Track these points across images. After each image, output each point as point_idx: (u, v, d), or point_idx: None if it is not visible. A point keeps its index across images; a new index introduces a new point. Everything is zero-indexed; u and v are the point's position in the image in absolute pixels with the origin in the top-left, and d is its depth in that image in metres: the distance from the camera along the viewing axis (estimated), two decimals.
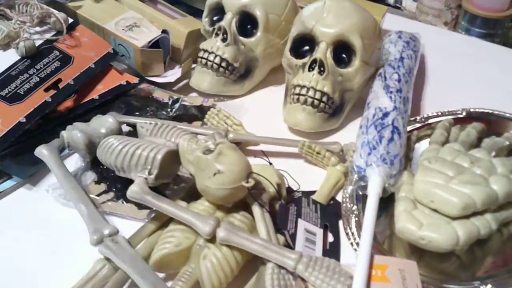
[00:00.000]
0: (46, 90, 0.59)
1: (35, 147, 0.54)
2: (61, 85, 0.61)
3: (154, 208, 0.45)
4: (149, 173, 0.46)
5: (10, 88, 0.58)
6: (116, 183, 0.53)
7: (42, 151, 0.53)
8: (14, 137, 0.54)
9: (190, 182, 0.52)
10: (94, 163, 0.54)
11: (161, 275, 0.44)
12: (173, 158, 0.48)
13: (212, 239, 0.42)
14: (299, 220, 0.47)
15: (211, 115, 0.62)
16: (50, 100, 0.59)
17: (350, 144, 0.56)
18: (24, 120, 0.56)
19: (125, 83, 0.66)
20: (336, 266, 0.39)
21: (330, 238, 0.48)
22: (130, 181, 0.47)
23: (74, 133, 0.53)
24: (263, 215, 0.44)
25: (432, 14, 0.93)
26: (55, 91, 0.60)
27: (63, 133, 0.54)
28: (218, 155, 0.42)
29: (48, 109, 0.58)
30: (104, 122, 0.55)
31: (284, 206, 0.48)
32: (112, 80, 0.66)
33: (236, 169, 0.42)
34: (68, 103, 0.61)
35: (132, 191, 0.45)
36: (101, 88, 0.64)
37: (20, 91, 0.58)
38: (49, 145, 0.54)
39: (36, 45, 0.63)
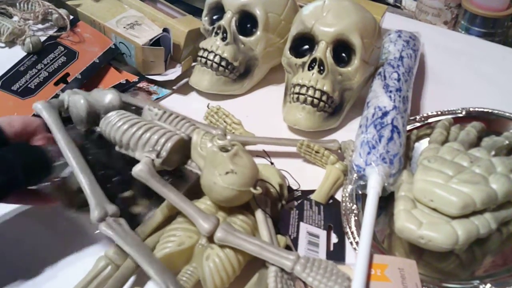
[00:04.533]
0: (56, 84, 0.61)
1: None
2: (69, 79, 0.62)
3: (157, 192, 0.43)
4: (158, 156, 0.45)
5: (20, 83, 0.59)
6: None
7: (39, 106, 0.48)
8: None
9: (190, 180, 0.51)
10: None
11: None
12: (181, 147, 0.47)
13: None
14: (301, 223, 0.47)
15: (210, 113, 0.62)
16: (60, 93, 0.60)
17: (349, 141, 0.56)
18: None
19: (124, 82, 0.66)
20: (333, 267, 0.39)
21: (334, 239, 0.48)
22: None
23: (77, 98, 0.50)
24: (266, 220, 0.44)
25: (432, 13, 0.93)
26: (65, 85, 0.62)
27: (65, 95, 0.51)
28: (234, 155, 0.42)
29: None
30: (105, 95, 0.52)
31: (286, 211, 0.48)
32: (111, 79, 0.66)
33: (248, 173, 0.42)
34: None
35: (139, 170, 0.43)
36: (101, 87, 0.65)
37: (31, 85, 0.60)
38: (48, 102, 0.49)
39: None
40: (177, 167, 0.49)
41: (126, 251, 0.40)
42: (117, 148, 0.48)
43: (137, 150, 0.46)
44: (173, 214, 0.46)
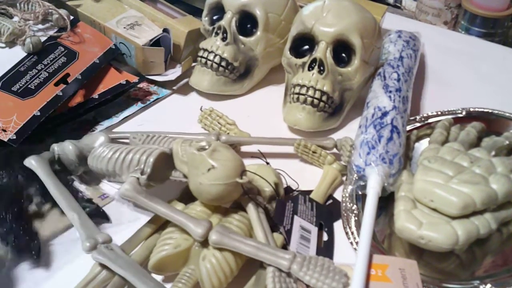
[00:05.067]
0: (56, 84, 0.61)
1: (33, 147, 0.54)
2: (69, 80, 0.62)
3: (146, 208, 0.44)
4: (142, 173, 0.46)
5: (20, 84, 0.59)
6: None
7: (31, 162, 0.52)
8: (31, 130, 0.55)
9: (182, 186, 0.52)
10: None
11: (160, 277, 0.44)
12: (165, 161, 0.47)
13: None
14: (295, 217, 0.47)
15: (204, 116, 0.62)
16: (61, 94, 0.60)
17: (345, 139, 0.56)
18: (39, 114, 0.57)
19: (124, 82, 0.66)
20: (330, 264, 0.39)
21: (325, 237, 0.48)
22: None
23: (65, 145, 0.53)
24: (259, 217, 0.44)
25: (432, 14, 0.93)
26: (65, 86, 0.61)
27: (54, 146, 0.53)
28: (212, 152, 0.42)
29: (60, 102, 0.60)
30: (95, 139, 0.55)
31: (281, 201, 0.48)
32: (111, 80, 0.66)
33: (230, 165, 0.42)
34: (78, 98, 0.62)
35: (124, 189, 0.44)
36: (101, 87, 0.65)
37: (31, 86, 0.59)
38: (39, 156, 0.53)
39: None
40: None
41: (120, 274, 0.40)
42: (107, 179, 0.50)
43: (124, 174, 0.47)
44: (160, 228, 0.47)
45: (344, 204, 0.52)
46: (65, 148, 0.53)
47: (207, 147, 0.43)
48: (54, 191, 0.49)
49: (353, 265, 0.40)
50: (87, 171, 0.53)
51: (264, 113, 0.67)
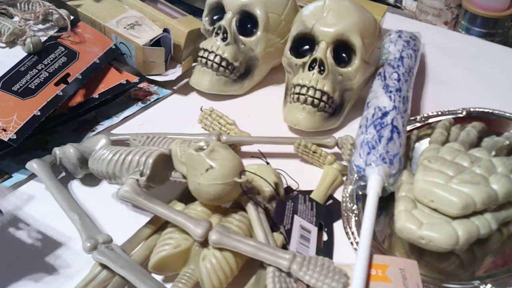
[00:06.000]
0: (57, 84, 0.61)
1: (35, 146, 0.54)
2: (70, 79, 0.62)
3: (145, 209, 0.44)
4: (141, 175, 0.46)
5: (21, 83, 0.59)
6: None
7: (33, 165, 0.52)
8: (31, 130, 0.55)
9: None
10: None
11: (160, 277, 0.44)
12: (165, 162, 0.47)
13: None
14: (295, 216, 0.47)
15: (204, 116, 0.62)
16: (61, 93, 0.60)
17: (346, 137, 0.56)
18: (39, 113, 0.57)
19: (125, 82, 0.66)
20: (330, 264, 0.39)
21: (325, 237, 0.48)
22: None
23: (67, 148, 0.53)
24: (259, 217, 0.44)
25: (432, 14, 0.93)
26: (65, 85, 0.61)
27: (56, 150, 0.54)
28: (210, 152, 0.42)
29: (60, 102, 0.60)
30: (97, 141, 0.55)
31: (281, 201, 0.48)
32: (111, 79, 0.66)
33: (228, 164, 0.42)
34: (78, 98, 0.62)
35: (123, 191, 0.44)
36: (101, 87, 0.65)
37: (31, 85, 0.59)
38: (41, 159, 0.53)
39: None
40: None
41: (121, 274, 0.41)
42: (107, 181, 0.50)
43: (123, 176, 0.47)
44: (160, 228, 0.47)
45: (344, 204, 0.52)
46: (67, 152, 0.53)
47: (205, 147, 0.43)
48: (55, 194, 0.50)
49: (353, 265, 0.40)
50: (88, 174, 0.53)
51: (264, 113, 0.67)
